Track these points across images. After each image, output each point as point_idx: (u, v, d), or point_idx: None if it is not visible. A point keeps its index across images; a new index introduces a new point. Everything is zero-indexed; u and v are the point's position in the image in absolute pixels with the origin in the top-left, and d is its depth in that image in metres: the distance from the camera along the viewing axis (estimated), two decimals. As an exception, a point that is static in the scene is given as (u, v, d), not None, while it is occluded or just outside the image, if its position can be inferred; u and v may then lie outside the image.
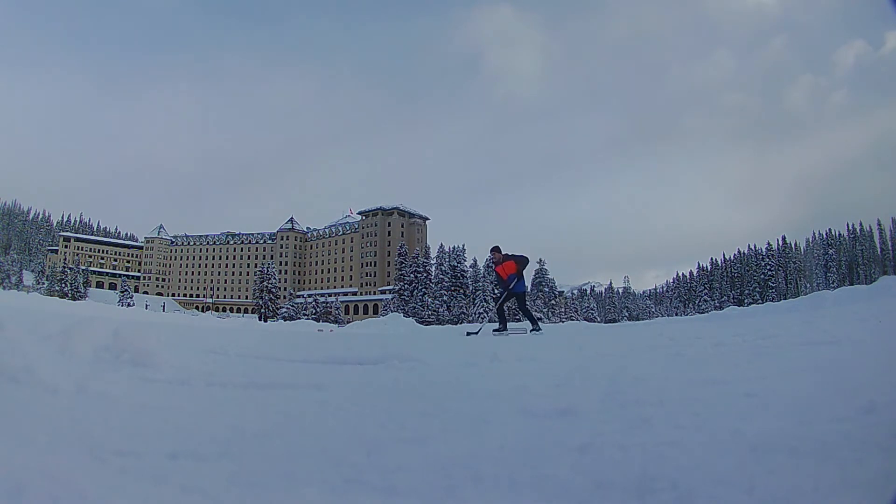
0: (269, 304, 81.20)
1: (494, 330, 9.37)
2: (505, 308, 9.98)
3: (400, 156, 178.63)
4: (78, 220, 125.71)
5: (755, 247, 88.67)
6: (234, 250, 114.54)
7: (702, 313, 43.72)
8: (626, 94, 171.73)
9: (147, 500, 0.80)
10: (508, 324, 9.72)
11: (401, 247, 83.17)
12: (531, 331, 9.07)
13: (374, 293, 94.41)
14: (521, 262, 9.51)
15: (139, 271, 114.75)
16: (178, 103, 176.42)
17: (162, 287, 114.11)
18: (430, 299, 73.30)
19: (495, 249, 9.66)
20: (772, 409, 1.35)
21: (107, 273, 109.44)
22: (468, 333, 8.96)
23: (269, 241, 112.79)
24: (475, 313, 68.02)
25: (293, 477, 0.92)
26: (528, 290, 9.47)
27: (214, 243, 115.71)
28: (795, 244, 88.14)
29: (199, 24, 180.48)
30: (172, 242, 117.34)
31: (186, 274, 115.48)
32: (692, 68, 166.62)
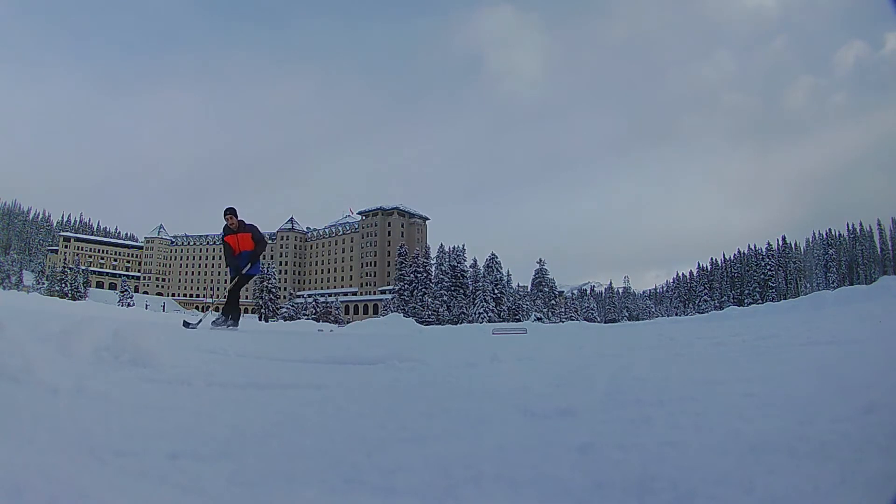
0: (269, 304, 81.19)
1: (214, 322, 7.72)
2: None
3: (400, 156, 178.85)
4: (78, 220, 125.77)
5: (755, 247, 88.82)
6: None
7: (702, 313, 43.74)
8: (626, 95, 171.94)
9: (147, 500, 0.80)
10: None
11: (401, 247, 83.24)
12: (226, 325, 7.61)
13: (374, 293, 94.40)
14: (261, 242, 7.95)
15: (139, 271, 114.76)
16: (179, 103, 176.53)
17: (162, 287, 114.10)
18: (430, 299, 73.28)
19: (231, 212, 7.86)
20: (772, 409, 1.35)
21: (107, 273, 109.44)
22: (185, 324, 7.48)
23: (269, 241, 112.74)
24: (475, 313, 68.01)
25: (293, 477, 0.92)
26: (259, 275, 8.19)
27: (214, 243, 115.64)
28: (795, 244, 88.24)
29: (199, 25, 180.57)
30: (172, 242, 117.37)
31: (186, 274, 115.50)
32: (692, 69, 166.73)
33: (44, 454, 0.93)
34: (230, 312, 7.90)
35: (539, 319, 58.95)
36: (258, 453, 1.05)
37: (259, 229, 8.02)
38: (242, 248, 7.80)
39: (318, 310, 75.67)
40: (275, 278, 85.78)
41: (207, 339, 4.87)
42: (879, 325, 4.79)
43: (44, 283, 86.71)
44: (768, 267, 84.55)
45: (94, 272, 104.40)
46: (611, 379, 2.09)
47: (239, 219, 7.91)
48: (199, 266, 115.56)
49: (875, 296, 12.91)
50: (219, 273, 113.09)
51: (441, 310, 71.33)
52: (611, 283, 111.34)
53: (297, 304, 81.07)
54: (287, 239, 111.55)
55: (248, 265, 7.82)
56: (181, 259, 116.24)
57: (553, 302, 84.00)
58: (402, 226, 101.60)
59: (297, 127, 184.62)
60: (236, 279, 7.85)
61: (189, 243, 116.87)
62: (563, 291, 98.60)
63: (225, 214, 7.91)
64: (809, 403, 1.39)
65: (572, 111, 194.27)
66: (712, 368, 2.57)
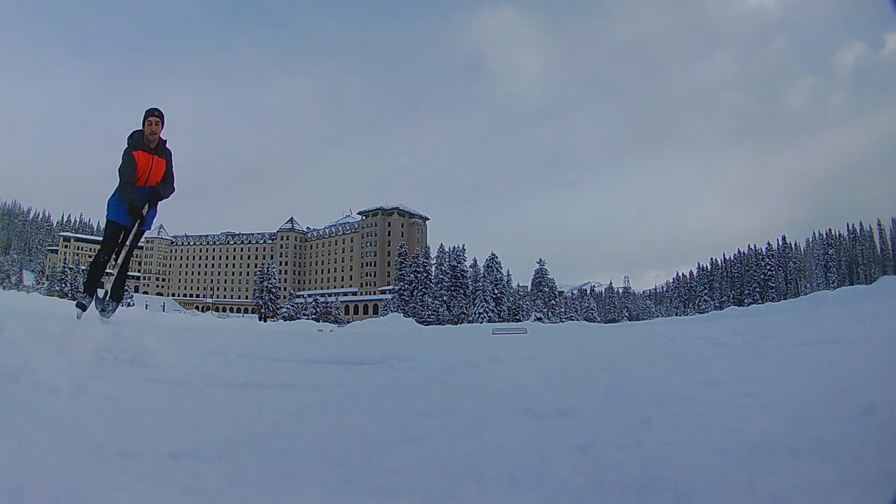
0: (269, 304, 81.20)
1: (80, 303, 5.25)
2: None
3: (400, 156, 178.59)
4: (78, 220, 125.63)
5: (755, 247, 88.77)
6: (234, 250, 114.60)
7: (702, 313, 43.76)
8: (627, 95, 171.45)
9: (147, 500, 0.80)
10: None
11: (401, 247, 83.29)
12: (111, 312, 5.45)
13: (374, 293, 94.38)
14: (171, 178, 5.13)
15: (139, 271, 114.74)
16: (179, 103, 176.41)
17: (162, 287, 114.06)
18: (430, 299, 73.32)
19: (158, 116, 5.00)
20: (772, 409, 1.35)
21: (107, 273, 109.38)
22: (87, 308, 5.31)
23: (269, 241, 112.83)
24: (475, 313, 68.04)
25: (293, 477, 0.92)
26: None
27: (214, 243, 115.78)
28: (795, 244, 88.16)
29: (200, 25, 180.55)
30: (172, 242, 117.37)
31: (186, 274, 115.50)
32: (693, 69, 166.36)
33: (44, 454, 0.93)
34: (121, 287, 5.56)
35: (539, 319, 58.98)
36: (258, 453, 1.06)
37: (172, 168, 5.17)
38: (153, 178, 5.02)
39: (318, 310, 75.68)
40: (275, 278, 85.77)
41: (207, 340, 4.87)
42: (879, 325, 4.79)
43: (44, 283, 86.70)
44: (768, 267, 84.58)
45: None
46: (611, 379, 2.10)
47: (162, 134, 5.03)
48: (199, 266, 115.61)
49: (875, 296, 12.93)
50: (219, 273, 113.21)
51: (441, 310, 71.37)
52: (611, 283, 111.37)
53: (297, 304, 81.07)
54: (287, 239, 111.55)
55: (146, 207, 5.03)
56: (181, 259, 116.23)
57: (553, 302, 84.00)
58: (402, 226, 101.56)
59: (297, 127, 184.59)
60: (134, 228, 5.10)
61: (189, 243, 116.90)
62: (563, 291, 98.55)
63: (148, 116, 4.99)
64: (809, 403, 1.39)
65: (572, 111, 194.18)
66: (712, 368, 2.57)
